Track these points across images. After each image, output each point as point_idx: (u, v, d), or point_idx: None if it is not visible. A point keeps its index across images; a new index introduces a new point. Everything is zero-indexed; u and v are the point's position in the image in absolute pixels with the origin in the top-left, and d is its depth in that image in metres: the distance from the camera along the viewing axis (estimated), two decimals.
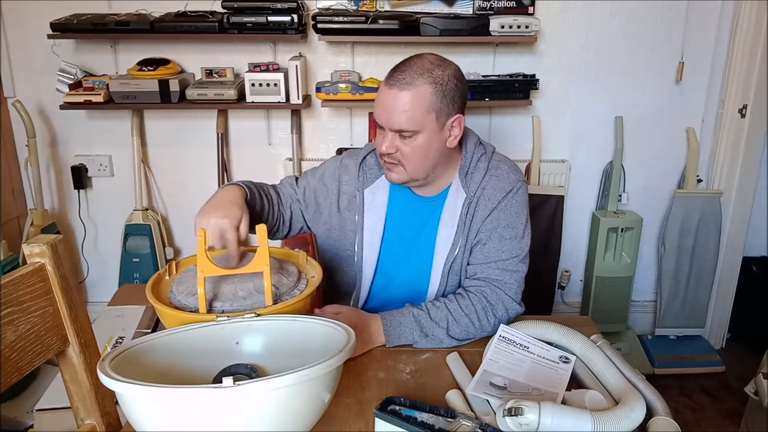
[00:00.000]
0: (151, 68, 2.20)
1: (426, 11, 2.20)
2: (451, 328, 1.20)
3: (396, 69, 1.20)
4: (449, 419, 0.86)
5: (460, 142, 1.30)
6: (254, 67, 2.21)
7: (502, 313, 1.23)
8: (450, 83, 1.18)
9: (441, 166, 1.27)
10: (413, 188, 1.32)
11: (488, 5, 2.13)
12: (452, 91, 1.18)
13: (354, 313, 1.21)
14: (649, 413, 0.94)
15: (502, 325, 1.16)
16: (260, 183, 1.34)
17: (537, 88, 2.24)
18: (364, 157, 1.35)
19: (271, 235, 1.37)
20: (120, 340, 1.44)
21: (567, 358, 1.09)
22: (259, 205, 1.26)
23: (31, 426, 1.92)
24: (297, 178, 1.42)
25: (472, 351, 1.17)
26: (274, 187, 1.39)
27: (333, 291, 1.45)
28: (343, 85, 2.17)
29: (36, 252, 0.91)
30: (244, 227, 1.12)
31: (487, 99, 2.20)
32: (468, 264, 1.30)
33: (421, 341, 1.19)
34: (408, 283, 1.35)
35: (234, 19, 2.09)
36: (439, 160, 1.25)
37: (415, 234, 1.34)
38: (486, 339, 1.17)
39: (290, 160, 2.40)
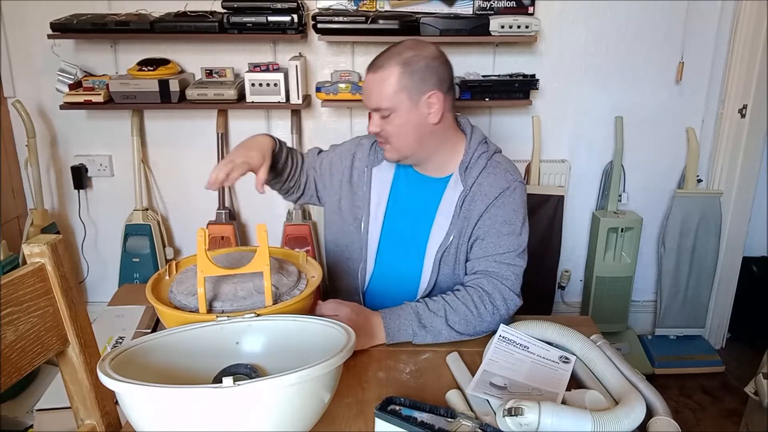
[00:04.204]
0: (151, 68, 2.20)
1: (426, 11, 2.20)
2: (450, 317, 1.21)
3: (377, 56, 1.30)
4: (449, 419, 0.86)
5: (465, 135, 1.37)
6: (254, 67, 2.21)
7: (500, 302, 1.25)
8: (420, 63, 1.26)
9: (433, 144, 1.33)
10: (415, 167, 1.40)
11: (488, 5, 2.13)
12: (422, 70, 1.26)
13: (356, 307, 1.22)
14: (649, 413, 0.94)
15: (502, 325, 1.16)
16: (292, 147, 1.47)
17: (537, 88, 2.24)
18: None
19: (285, 194, 1.51)
20: (120, 340, 1.43)
21: (567, 358, 1.09)
22: (283, 161, 1.40)
23: (31, 426, 1.92)
24: (321, 150, 1.53)
25: (472, 351, 1.17)
26: (301, 153, 1.51)
27: (337, 274, 1.50)
28: (343, 85, 2.17)
29: (36, 252, 0.90)
30: (262, 173, 1.26)
31: (487, 99, 2.20)
32: (467, 261, 1.33)
33: (420, 333, 1.20)
34: (404, 266, 1.39)
35: (234, 19, 2.09)
36: (426, 137, 1.31)
37: (414, 214, 1.39)
38: (486, 339, 1.17)
39: None
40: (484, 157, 1.34)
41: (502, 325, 1.17)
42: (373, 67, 1.29)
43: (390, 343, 1.20)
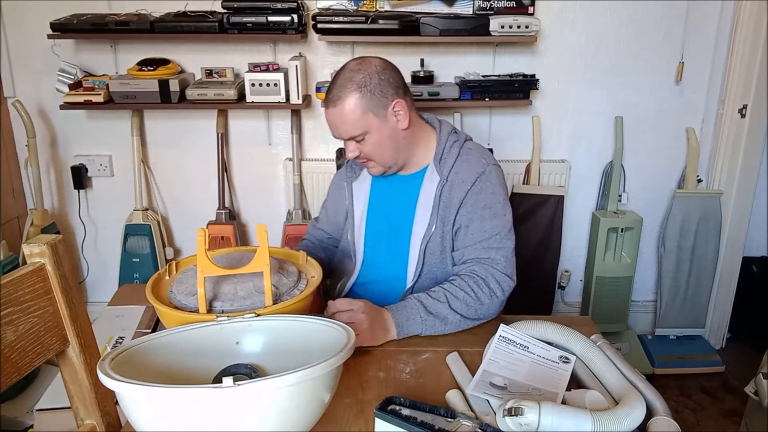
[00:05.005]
0: (151, 68, 2.20)
1: (426, 11, 2.20)
2: (452, 302, 1.25)
3: (328, 89, 1.34)
4: (449, 419, 0.86)
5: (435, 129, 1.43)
6: (254, 67, 2.21)
7: (494, 285, 1.28)
8: (373, 81, 1.30)
9: (408, 147, 1.39)
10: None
11: (488, 5, 2.13)
12: (377, 87, 1.31)
13: (368, 303, 1.23)
14: (649, 413, 0.94)
15: (502, 325, 1.16)
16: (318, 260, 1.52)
17: (537, 88, 2.24)
18: None
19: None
20: (120, 340, 1.43)
21: (567, 358, 1.09)
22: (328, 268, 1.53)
23: (31, 426, 1.92)
24: (316, 218, 1.66)
25: (472, 351, 1.17)
26: (312, 242, 1.60)
27: (334, 273, 1.57)
28: None
29: (36, 252, 0.90)
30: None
31: (487, 99, 2.20)
32: (455, 250, 1.36)
33: (428, 319, 1.22)
34: (389, 265, 1.43)
35: (234, 19, 2.09)
36: (401, 143, 1.37)
37: (395, 213, 1.43)
38: (486, 338, 1.17)
39: (290, 160, 2.40)
40: (456, 145, 1.39)
41: (502, 324, 1.17)
42: (329, 101, 1.32)
43: (400, 338, 1.21)
